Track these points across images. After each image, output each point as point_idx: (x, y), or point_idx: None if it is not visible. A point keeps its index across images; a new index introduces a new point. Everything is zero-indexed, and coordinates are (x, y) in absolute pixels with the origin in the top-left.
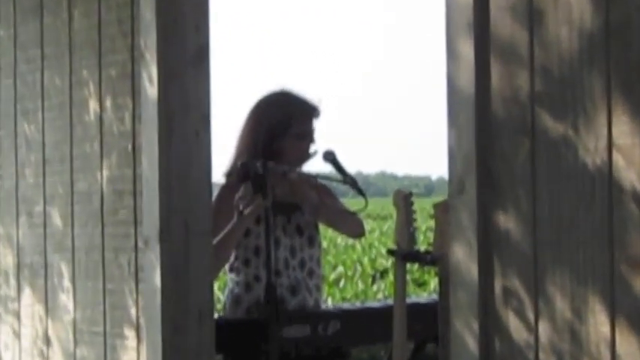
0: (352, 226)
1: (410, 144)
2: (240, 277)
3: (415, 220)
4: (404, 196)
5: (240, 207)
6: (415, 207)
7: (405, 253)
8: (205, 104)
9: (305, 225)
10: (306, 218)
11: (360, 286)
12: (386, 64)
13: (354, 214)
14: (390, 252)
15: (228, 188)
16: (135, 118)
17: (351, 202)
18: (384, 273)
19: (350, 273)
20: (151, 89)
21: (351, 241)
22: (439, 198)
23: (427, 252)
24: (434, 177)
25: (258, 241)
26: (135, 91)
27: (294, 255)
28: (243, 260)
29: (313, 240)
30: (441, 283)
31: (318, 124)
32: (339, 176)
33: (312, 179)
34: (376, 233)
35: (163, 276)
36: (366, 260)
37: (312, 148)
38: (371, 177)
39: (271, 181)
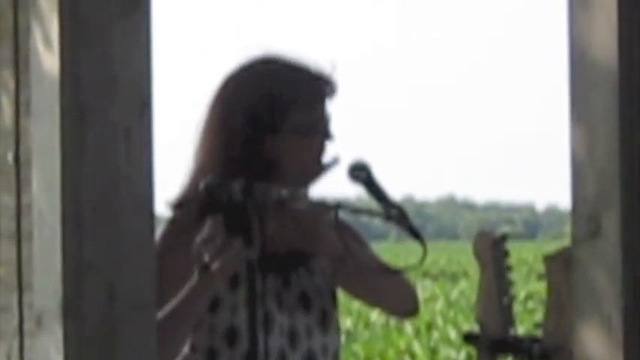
0: (398, 295)
1: (494, 150)
2: None
3: (512, 283)
4: (493, 243)
5: (205, 258)
6: (511, 260)
7: (494, 341)
8: (144, 83)
9: (314, 292)
10: (315, 281)
11: None
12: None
13: (399, 273)
14: (469, 337)
15: (180, 226)
16: (19, 106)
17: (395, 250)
18: None
19: None
20: (47, 57)
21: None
22: (553, 243)
23: (532, 339)
24: (539, 206)
25: (234, 318)
26: (19, 60)
27: (294, 344)
28: (207, 352)
29: (329, 319)
30: None
31: (334, 109)
32: (375, 205)
33: (329, 211)
34: (439, 303)
35: None
36: (421, 350)
37: (329, 153)
38: (429, 206)
39: (259, 216)
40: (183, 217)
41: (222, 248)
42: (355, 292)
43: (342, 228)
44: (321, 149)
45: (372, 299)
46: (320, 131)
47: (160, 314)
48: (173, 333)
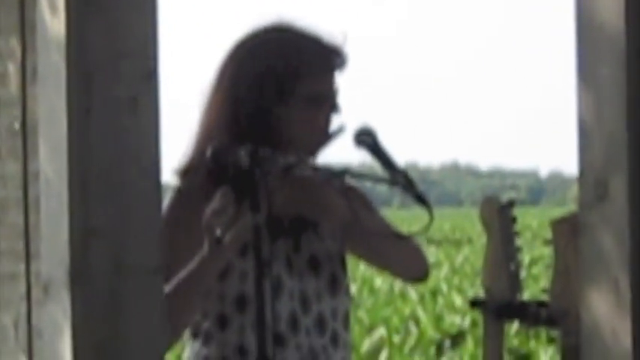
0: (407, 260)
1: (498, 116)
2: (212, 347)
3: (519, 249)
4: (499, 209)
5: (216, 230)
6: (517, 226)
7: (500, 306)
8: (150, 50)
9: (324, 256)
10: (325, 245)
11: None
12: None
13: (408, 238)
14: (475, 303)
15: (187, 195)
16: (26, 73)
17: (398, 215)
18: (458, 339)
19: (398, 339)
20: (54, 23)
21: (399, 282)
22: (557, 209)
23: (540, 303)
24: (543, 172)
25: (244, 285)
26: (26, 28)
27: (306, 308)
28: (217, 318)
29: (338, 282)
30: (565, 357)
31: (343, 80)
32: (381, 171)
33: (336, 177)
34: (444, 270)
35: (78, 346)
36: (426, 317)
37: (336, 122)
38: (433, 172)
39: (266, 182)
40: (190, 184)
41: (234, 220)
42: (364, 257)
43: (352, 194)
44: (327, 120)
45: (382, 264)
46: (328, 102)
47: (170, 285)
48: (184, 303)
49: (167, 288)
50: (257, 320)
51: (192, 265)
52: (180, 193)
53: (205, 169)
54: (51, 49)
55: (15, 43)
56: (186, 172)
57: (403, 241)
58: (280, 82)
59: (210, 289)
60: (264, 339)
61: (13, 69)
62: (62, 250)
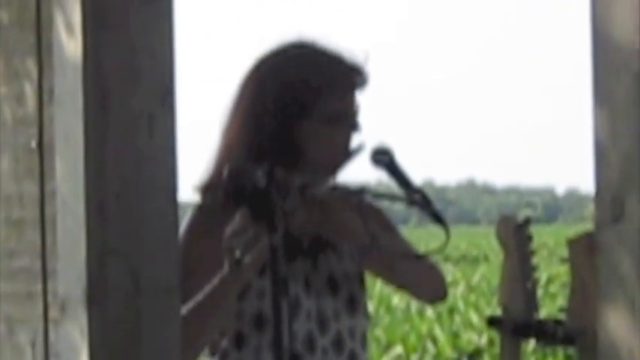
0: (425, 280)
1: (514, 133)
2: None
3: (535, 268)
4: (516, 228)
5: (236, 252)
6: (535, 244)
7: (517, 324)
8: (166, 69)
9: (342, 276)
10: (343, 264)
11: None
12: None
13: (427, 258)
14: (492, 321)
15: (207, 213)
16: (42, 94)
17: (415, 234)
18: (475, 357)
19: (415, 357)
20: (70, 44)
21: (416, 302)
22: (572, 227)
23: (557, 322)
24: (560, 189)
25: (261, 304)
26: (42, 49)
27: (324, 327)
28: (235, 337)
29: (356, 302)
30: None
31: (364, 99)
32: (398, 190)
33: (353, 197)
34: (460, 288)
35: None
36: (443, 335)
37: (356, 141)
38: (449, 190)
39: (282, 202)
40: (210, 202)
41: (254, 241)
42: (383, 277)
43: (371, 212)
44: (347, 139)
45: (400, 284)
46: (348, 121)
47: (189, 304)
48: (203, 323)
49: (186, 307)
50: (274, 340)
51: (212, 285)
52: (201, 210)
53: (224, 188)
54: (67, 70)
55: (31, 64)
56: (207, 190)
57: (422, 261)
58: (301, 100)
59: (231, 310)
60: (281, 359)
61: (29, 89)
62: (79, 269)
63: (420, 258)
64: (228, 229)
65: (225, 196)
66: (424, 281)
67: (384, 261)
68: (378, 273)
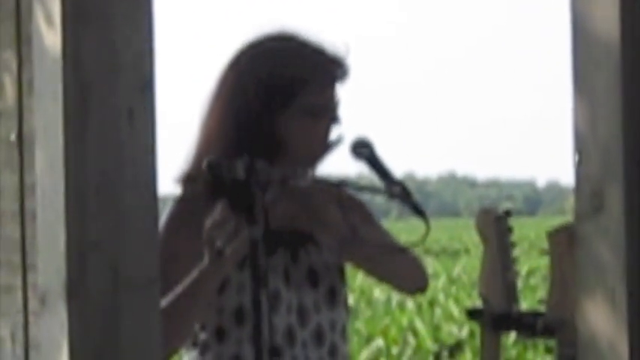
0: (406, 272)
1: (495, 127)
2: (208, 358)
3: (515, 259)
4: (495, 220)
5: (217, 243)
6: (514, 236)
7: (497, 316)
8: (146, 62)
9: (322, 268)
10: (324, 256)
11: None
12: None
13: (407, 250)
14: (472, 313)
15: (187, 205)
16: (22, 86)
17: (396, 227)
18: (456, 349)
19: (396, 350)
20: (50, 36)
21: (396, 294)
22: (553, 219)
23: (536, 314)
24: (540, 182)
25: (241, 297)
26: (22, 40)
27: (304, 320)
28: (215, 331)
29: (336, 294)
30: None
31: (344, 92)
32: (378, 182)
33: (334, 189)
34: (441, 281)
35: (75, 359)
36: (423, 328)
37: (335, 133)
38: (430, 183)
39: (262, 194)
40: (191, 194)
41: (235, 233)
42: (364, 269)
43: (351, 204)
44: (327, 131)
45: (381, 276)
46: (328, 114)
47: (169, 296)
48: (184, 315)
49: (166, 299)
50: (254, 333)
51: (192, 277)
52: (181, 202)
53: (203, 180)
54: (47, 61)
55: (11, 56)
56: (187, 181)
57: (402, 253)
58: (281, 92)
59: (211, 303)
60: (261, 352)
61: (9, 81)
62: (59, 262)
63: (401, 250)
64: (209, 221)
65: (205, 188)
66: (405, 273)
67: (364, 253)
68: (359, 265)
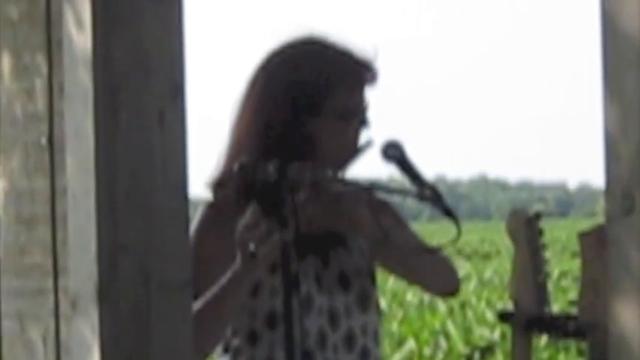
0: (438, 274)
1: (526, 129)
2: None
3: (546, 261)
4: (526, 221)
5: (250, 246)
6: (545, 238)
7: (529, 319)
8: (176, 66)
9: (353, 272)
10: (354, 260)
11: None
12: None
13: (439, 253)
14: (504, 316)
15: (218, 209)
16: (53, 90)
17: (427, 229)
18: (487, 352)
19: (428, 352)
20: (80, 39)
21: (428, 297)
22: (585, 221)
23: (568, 316)
24: (572, 184)
25: (274, 301)
26: (52, 44)
27: (335, 324)
28: (248, 335)
29: (368, 298)
30: None
31: (373, 95)
32: (408, 185)
33: (364, 192)
34: (472, 283)
35: None
36: (455, 330)
37: (365, 137)
38: (461, 185)
39: (293, 197)
40: (223, 198)
41: (267, 235)
42: (395, 272)
43: (382, 208)
44: (357, 135)
45: (413, 279)
46: (357, 117)
47: (201, 299)
48: (216, 317)
49: (198, 302)
50: (285, 337)
51: (224, 280)
52: (213, 206)
53: (234, 184)
54: (77, 65)
55: (42, 59)
56: (218, 186)
57: (434, 255)
58: (310, 95)
59: (243, 305)
60: (293, 356)
61: (40, 85)
62: (90, 265)
63: (433, 252)
64: (241, 224)
65: (236, 191)
66: (436, 275)
67: (396, 255)
68: (391, 267)
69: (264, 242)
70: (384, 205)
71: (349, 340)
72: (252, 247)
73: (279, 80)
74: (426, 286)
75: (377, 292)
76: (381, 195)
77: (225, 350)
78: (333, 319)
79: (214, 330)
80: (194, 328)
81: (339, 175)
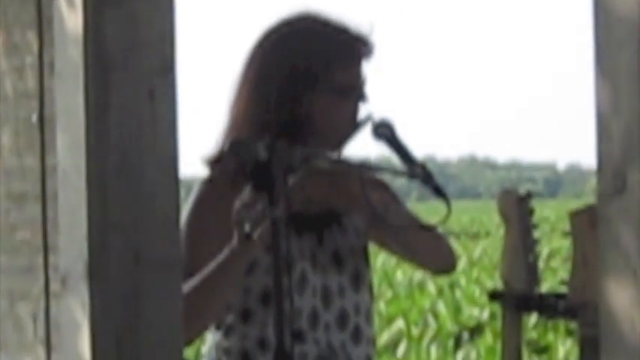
0: (435, 251)
1: (515, 109)
2: (233, 340)
3: (537, 241)
4: (517, 201)
5: (246, 226)
6: (536, 218)
7: (519, 298)
8: (167, 43)
9: (348, 251)
10: (349, 239)
11: (435, 353)
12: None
13: (435, 230)
14: (494, 295)
15: (214, 186)
16: (43, 68)
17: (417, 208)
18: (476, 331)
19: (416, 331)
20: (71, 17)
21: (418, 275)
22: (574, 202)
23: (558, 295)
24: (561, 165)
25: (268, 279)
26: (43, 21)
27: (328, 303)
28: (241, 312)
29: (361, 278)
30: (583, 349)
31: (370, 71)
32: (399, 164)
33: (356, 170)
34: (462, 262)
35: (96, 340)
36: (444, 309)
37: (363, 112)
38: (451, 165)
39: (284, 175)
40: (219, 175)
41: (263, 215)
42: (392, 249)
43: (378, 185)
44: (355, 110)
45: (409, 256)
46: (355, 92)
47: (197, 277)
48: (211, 295)
49: (194, 279)
50: (276, 315)
51: (220, 258)
52: (209, 184)
53: (227, 161)
54: (68, 43)
55: (32, 37)
56: (215, 163)
57: (430, 232)
58: (307, 72)
59: (239, 283)
60: (283, 334)
61: (30, 62)
62: (80, 243)
63: (429, 229)
64: (238, 202)
65: (232, 169)
66: (433, 252)
67: (393, 233)
68: (387, 245)
69: (260, 222)
70: (378, 183)
71: (342, 320)
72: (247, 227)
73: (275, 58)
74: (423, 263)
75: (370, 272)
76: (373, 173)
77: (218, 327)
78: (326, 298)
79: (209, 307)
80: (190, 304)
81: (338, 151)
